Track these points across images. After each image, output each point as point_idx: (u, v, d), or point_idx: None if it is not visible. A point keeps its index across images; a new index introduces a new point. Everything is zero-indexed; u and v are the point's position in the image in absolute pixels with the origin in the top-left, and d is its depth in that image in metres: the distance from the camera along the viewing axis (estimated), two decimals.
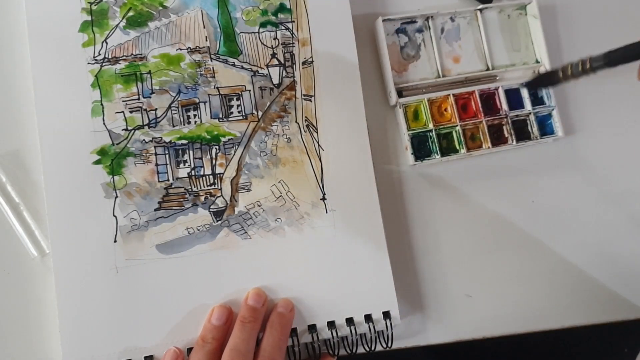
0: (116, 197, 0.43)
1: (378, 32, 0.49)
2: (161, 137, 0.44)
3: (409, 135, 0.49)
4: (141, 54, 0.45)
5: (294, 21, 0.47)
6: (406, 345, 0.47)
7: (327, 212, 0.46)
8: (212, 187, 0.45)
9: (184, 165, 0.45)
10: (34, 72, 0.43)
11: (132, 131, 0.44)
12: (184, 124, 0.45)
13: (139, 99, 0.44)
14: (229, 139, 0.45)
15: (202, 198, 0.45)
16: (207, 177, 0.45)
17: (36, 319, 0.43)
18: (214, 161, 0.45)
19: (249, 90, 0.46)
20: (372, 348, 0.45)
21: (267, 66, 0.46)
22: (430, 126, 0.49)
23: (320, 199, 0.46)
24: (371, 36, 0.51)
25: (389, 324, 0.45)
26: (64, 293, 0.42)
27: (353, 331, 0.44)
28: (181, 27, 0.46)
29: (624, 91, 0.55)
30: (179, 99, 0.45)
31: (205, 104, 0.45)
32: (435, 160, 0.49)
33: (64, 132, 0.43)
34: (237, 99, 0.46)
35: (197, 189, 0.45)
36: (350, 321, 0.45)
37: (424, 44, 0.51)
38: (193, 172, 0.45)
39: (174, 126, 0.45)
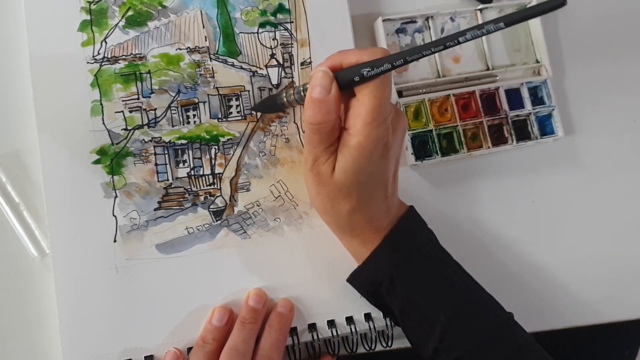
0: (116, 196, 0.43)
1: (378, 32, 0.49)
2: (160, 137, 0.44)
3: (409, 135, 0.49)
4: (140, 54, 0.45)
5: (292, 22, 0.47)
6: (406, 345, 0.47)
7: None
8: (212, 187, 0.45)
9: (184, 165, 0.45)
10: (32, 72, 0.43)
11: (132, 131, 0.44)
12: (184, 124, 0.45)
13: (138, 98, 0.44)
14: (228, 139, 0.45)
15: (202, 198, 0.45)
16: (206, 176, 0.45)
17: (36, 319, 0.43)
18: (213, 161, 0.45)
19: (248, 91, 0.46)
20: (372, 347, 0.45)
21: (266, 66, 0.46)
22: (431, 126, 0.49)
23: None
24: (371, 36, 0.50)
25: (389, 323, 0.45)
26: (64, 293, 0.42)
27: (353, 330, 0.44)
28: (180, 27, 0.46)
29: (624, 91, 0.54)
30: (179, 98, 0.45)
31: (204, 104, 0.45)
32: (435, 160, 0.49)
33: (63, 132, 0.43)
34: (236, 99, 0.46)
35: (197, 188, 0.45)
36: (350, 320, 0.45)
37: None
38: (192, 172, 0.45)
39: (173, 126, 0.45)
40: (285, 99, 0.39)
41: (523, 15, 0.29)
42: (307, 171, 0.39)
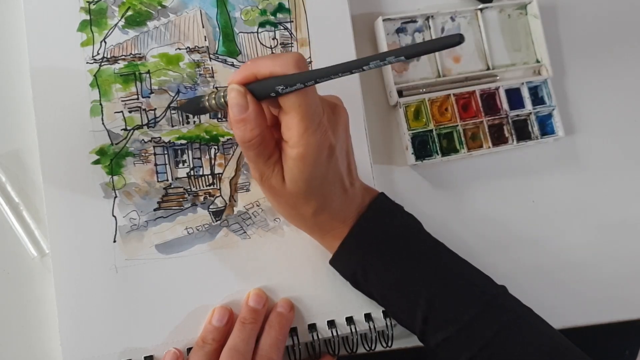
0: (115, 197, 0.43)
1: (378, 32, 0.49)
2: (160, 137, 0.44)
3: (409, 135, 0.49)
4: (140, 54, 0.45)
5: (292, 21, 0.47)
6: (406, 345, 0.47)
7: None
8: (211, 187, 0.45)
9: (183, 165, 0.45)
10: (32, 72, 0.43)
11: (131, 131, 0.44)
12: (183, 124, 0.45)
13: (138, 98, 0.44)
14: (227, 139, 0.45)
15: (201, 198, 0.45)
16: (206, 177, 0.45)
17: (36, 319, 0.43)
18: (212, 161, 0.45)
19: None
20: (372, 348, 0.45)
21: None
22: (431, 126, 0.49)
23: None
24: (371, 36, 0.50)
25: (389, 323, 0.45)
26: (64, 293, 0.42)
27: (353, 330, 0.44)
28: (180, 27, 0.45)
29: (624, 91, 0.54)
30: (178, 98, 0.45)
31: None
32: (435, 160, 0.49)
33: (62, 132, 0.43)
34: None
35: (196, 189, 0.45)
36: (350, 320, 0.45)
37: None
38: (192, 172, 0.45)
39: (173, 126, 0.45)
40: (207, 103, 0.38)
41: (421, 49, 0.29)
42: (261, 187, 0.39)
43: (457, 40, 0.27)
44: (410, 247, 0.42)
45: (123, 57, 0.44)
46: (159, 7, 0.45)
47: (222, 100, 0.37)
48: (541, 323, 0.41)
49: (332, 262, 0.43)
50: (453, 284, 0.41)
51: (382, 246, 0.41)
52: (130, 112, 0.44)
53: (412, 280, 0.40)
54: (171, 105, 0.45)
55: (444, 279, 0.41)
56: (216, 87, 0.45)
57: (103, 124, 0.44)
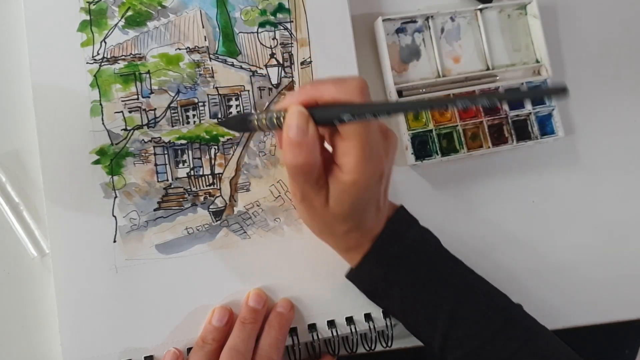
0: (115, 197, 0.43)
1: (378, 32, 0.49)
2: (160, 137, 0.44)
3: (409, 135, 0.49)
4: (140, 54, 0.45)
5: (292, 21, 0.47)
6: (406, 345, 0.47)
7: None
8: (211, 187, 0.45)
9: (183, 165, 0.45)
10: (32, 72, 0.43)
11: (131, 131, 0.44)
12: (183, 124, 0.45)
13: (138, 98, 0.44)
14: (227, 139, 0.45)
15: (202, 198, 0.45)
16: (206, 177, 0.45)
17: (36, 319, 0.43)
18: (213, 161, 0.45)
19: (248, 91, 0.46)
20: (372, 347, 0.45)
21: (266, 66, 0.46)
22: (431, 126, 0.49)
23: None
24: (371, 36, 0.50)
25: (389, 323, 0.45)
26: (64, 293, 0.42)
27: (353, 330, 0.44)
28: (180, 27, 0.45)
29: (624, 91, 0.54)
30: (178, 98, 0.45)
31: (204, 104, 0.45)
32: (435, 160, 0.49)
33: (62, 132, 0.43)
34: (236, 99, 0.46)
35: (197, 189, 0.45)
36: (350, 320, 0.45)
37: (424, 44, 0.51)
38: (192, 172, 0.45)
39: (173, 126, 0.45)
40: (256, 123, 0.36)
41: (521, 96, 0.28)
42: (296, 203, 0.39)
43: (561, 88, 0.25)
44: (433, 261, 0.42)
45: (123, 57, 0.45)
46: (159, 7, 0.45)
47: (276, 122, 0.34)
48: (556, 341, 0.41)
49: (354, 273, 0.42)
50: (474, 300, 0.41)
51: (404, 260, 0.41)
52: (130, 112, 0.44)
53: (435, 295, 0.40)
54: (218, 121, 0.45)
55: (466, 295, 0.41)
56: (268, 108, 0.45)
57: (103, 124, 0.44)
